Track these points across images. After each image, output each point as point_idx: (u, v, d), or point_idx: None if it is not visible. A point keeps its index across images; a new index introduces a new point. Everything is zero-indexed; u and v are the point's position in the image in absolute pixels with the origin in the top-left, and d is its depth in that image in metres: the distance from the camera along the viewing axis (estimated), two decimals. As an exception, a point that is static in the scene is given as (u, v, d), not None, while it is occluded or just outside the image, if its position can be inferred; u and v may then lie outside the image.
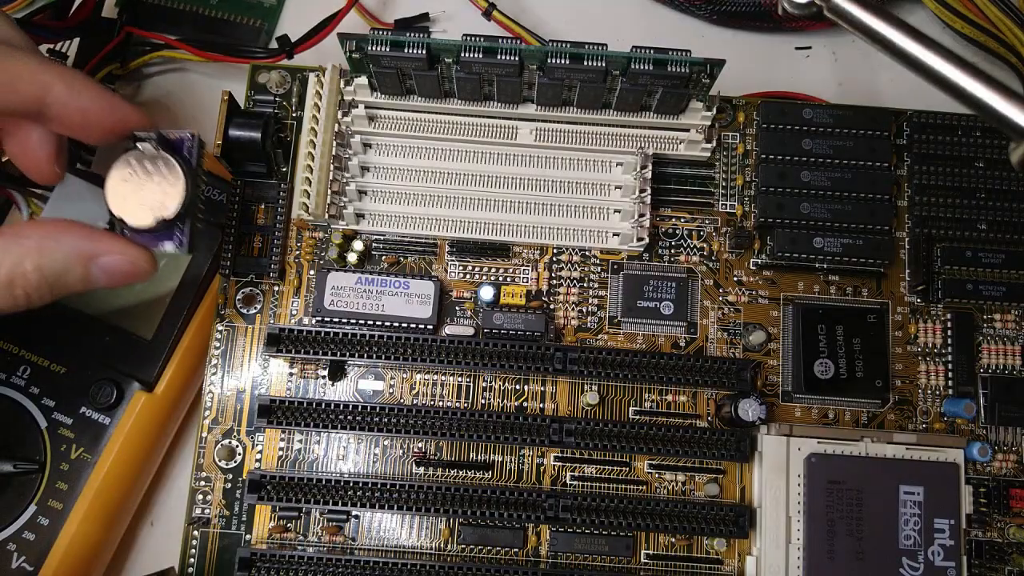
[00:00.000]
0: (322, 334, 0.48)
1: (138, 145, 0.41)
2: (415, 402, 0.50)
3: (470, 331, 0.50)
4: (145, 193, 0.40)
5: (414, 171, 0.51)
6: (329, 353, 0.48)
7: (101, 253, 0.39)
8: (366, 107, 0.50)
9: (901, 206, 0.53)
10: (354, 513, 0.49)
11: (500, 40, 0.45)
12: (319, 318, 0.49)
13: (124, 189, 0.40)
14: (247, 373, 0.50)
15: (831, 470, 0.47)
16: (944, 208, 0.52)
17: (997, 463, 0.50)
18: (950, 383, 0.51)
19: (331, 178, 0.50)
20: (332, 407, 0.48)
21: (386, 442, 0.50)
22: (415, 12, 0.63)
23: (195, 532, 0.49)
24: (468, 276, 0.52)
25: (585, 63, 0.45)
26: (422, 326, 0.49)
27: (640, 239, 0.50)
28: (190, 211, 0.42)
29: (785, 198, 0.51)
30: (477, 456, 0.50)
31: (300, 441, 0.50)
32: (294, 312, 0.51)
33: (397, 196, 0.51)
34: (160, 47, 0.59)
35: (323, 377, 0.50)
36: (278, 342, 0.48)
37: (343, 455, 0.50)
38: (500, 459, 0.50)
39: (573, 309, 0.52)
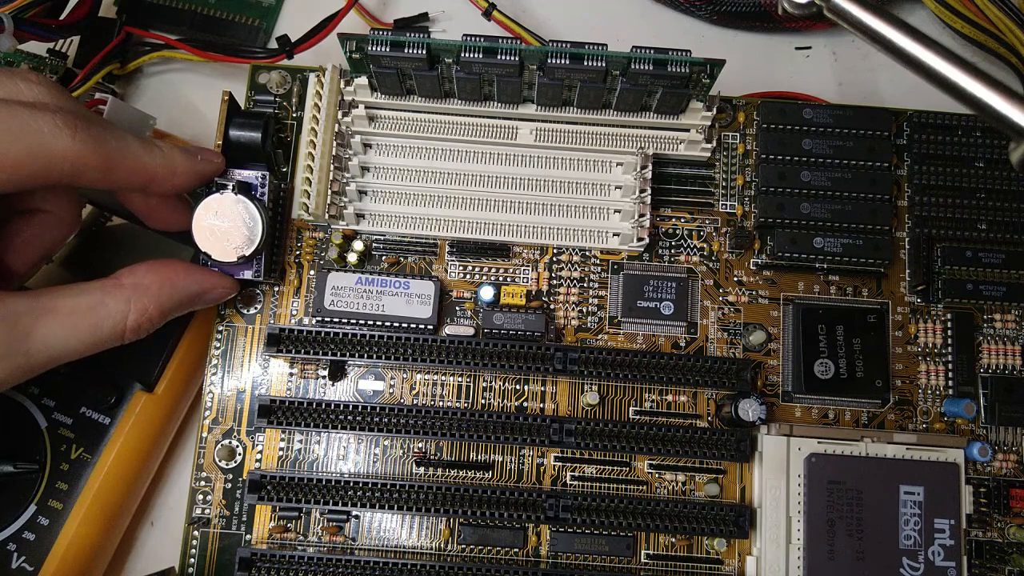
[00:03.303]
0: (322, 334, 0.48)
1: (220, 192, 0.46)
2: (415, 402, 0.50)
3: (470, 331, 0.50)
4: (228, 233, 0.46)
5: (414, 171, 0.51)
6: (329, 353, 0.48)
7: (207, 292, 0.46)
8: (366, 107, 0.50)
9: (901, 206, 0.53)
10: (354, 513, 0.49)
11: (500, 40, 0.45)
12: (319, 318, 0.49)
13: (209, 229, 0.46)
14: (247, 373, 0.50)
15: (831, 470, 0.47)
16: (944, 208, 0.52)
17: (997, 463, 0.50)
18: (950, 383, 0.51)
19: (331, 178, 0.50)
20: (332, 407, 0.48)
21: (386, 442, 0.50)
22: (414, 12, 0.63)
23: (195, 532, 0.49)
24: (468, 276, 0.52)
25: (585, 63, 0.45)
26: (422, 326, 0.49)
27: (640, 239, 0.50)
28: (265, 246, 0.47)
29: (785, 198, 0.51)
30: (477, 456, 0.50)
31: (300, 441, 0.50)
32: (294, 312, 0.51)
33: (397, 196, 0.51)
34: (160, 47, 0.59)
35: (323, 377, 0.50)
36: (278, 342, 0.48)
37: (343, 455, 0.50)
38: (500, 459, 0.50)
39: (573, 309, 0.52)
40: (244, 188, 0.47)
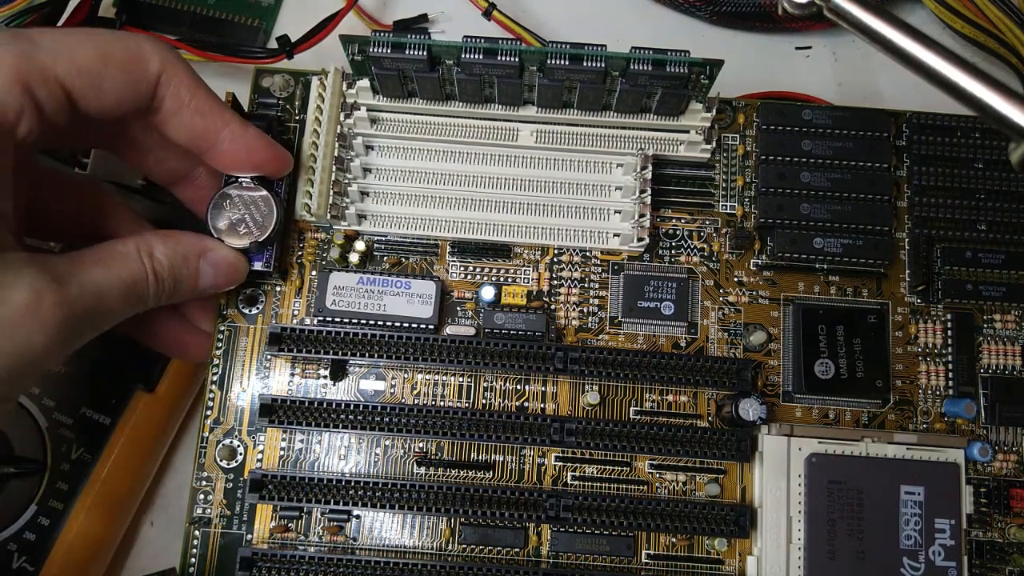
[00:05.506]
0: (324, 334, 0.48)
1: (238, 180, 0.47)
2: (416, 402, 0.50)
3: (471, 331, 0.50)
4: (243, 220, 0.47)
5: (416, 172, 0.51)
6: (331, 353, 0.48)
7: (211, 249, 0.46)
8: (368, 109, 0.50)
9: (901, 207, 0.53)
10: (355, 513, 0.49)
11: (500, 41, 0.45)
12: (321, 318, 0.49)
13: (225, 214, 0.47)
14: (248, 373, 0.50)
15: (832, 470, 0.47)
16: (944, 209, 0.52)
17: (997, 463, 0.50)
18: (950, 383, 0.51)
19: (333, 179, 0.50)
20: (333, 407, 0.48)
21: (387, 442, 0.50)
22: (414, 13, 0.64)
23: (196, 532, 0.49)
24: (469, 276, 0.52)
25: (585, 64, 0.45)
26: (423, 326, 0.49)
27: (640, 240, 0.50)
28: (278, 236, 0.48)
29: (785, 199, 0.51)
30: (478, 456, 0.50)
31: (301, 441, 0.50)
32: (296, 312, 0.51)
33: (399, 197, 0.51)
34: (161, 48, 0.59)
35: (324, 377, 0.50)
36: (280, 342, 0.48)
37: (344, 455, 0.50)
38: (501, 459, 0.50)
39: (574, 309, 0.52)
40: (263, 179, 0.48)
